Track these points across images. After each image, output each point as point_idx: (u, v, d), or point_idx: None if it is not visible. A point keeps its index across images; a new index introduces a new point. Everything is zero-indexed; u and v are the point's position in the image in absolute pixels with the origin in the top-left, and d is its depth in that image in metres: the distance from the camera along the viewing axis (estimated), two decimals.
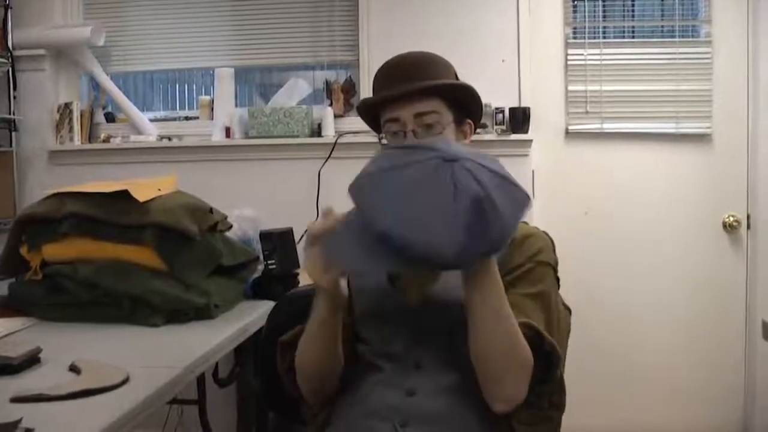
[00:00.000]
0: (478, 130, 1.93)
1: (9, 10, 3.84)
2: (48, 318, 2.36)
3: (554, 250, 1.75)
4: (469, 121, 1.80)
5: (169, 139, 3.94)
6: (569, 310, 1.82)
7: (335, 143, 3.69)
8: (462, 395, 1.58)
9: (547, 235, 1.77)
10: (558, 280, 1.74)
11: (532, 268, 1.67)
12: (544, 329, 1.60)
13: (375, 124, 1.80)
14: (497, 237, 1.37)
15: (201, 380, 3.08)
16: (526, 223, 1.81)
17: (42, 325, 2.32)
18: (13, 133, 3.91)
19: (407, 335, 1.66)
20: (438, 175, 1.36)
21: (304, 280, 2.88)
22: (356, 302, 1.77)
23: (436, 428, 1.57)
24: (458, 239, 1.32)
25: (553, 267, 1.72)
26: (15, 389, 1.62)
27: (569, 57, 3.78)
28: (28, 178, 3.97)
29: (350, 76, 3.90)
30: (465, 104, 1.78)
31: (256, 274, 2.75)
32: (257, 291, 2.70)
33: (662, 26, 3.84)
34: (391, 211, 1.35)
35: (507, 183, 1.40)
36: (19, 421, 1.41)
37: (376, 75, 1.79)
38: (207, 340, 2.12)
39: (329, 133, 3.74)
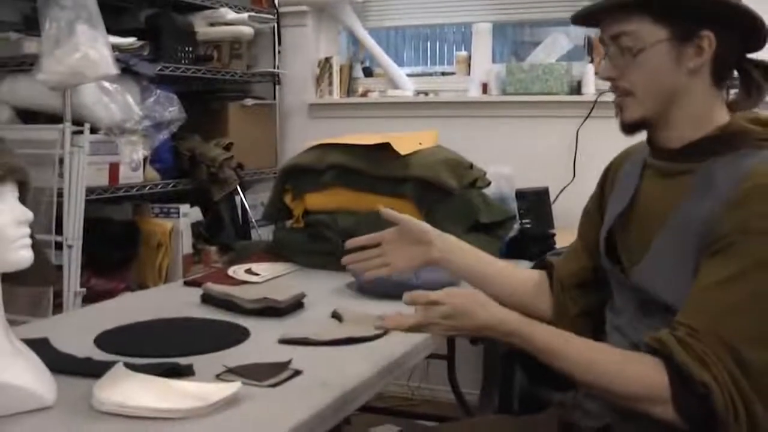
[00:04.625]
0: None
1: None
2: (309, 265, 2.43)
3: None
4: (707, 33, 1.33)
5: (426, 94, 3.94)
6: None
7: (595, 102, 3.51)
8: None
9: None
10: None
11: (733, 242, 1.24)
12: (733, 328, 1.20)
13: None
14: None
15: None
16: None
17: (303, 272, 2.39)
18: (277, 87, 4.07)
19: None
20: None
21: (561, 241, 2.78)
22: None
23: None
24: None
25: None
26: (282, 331, 1.67)
27: None
28: (289, 130, 4.12)
29: None
30: (687, 13, 1.34)
31: (512, 233, 2.68)
32: (512, 250, 2.63)
33: None
34: None
35: None
36: (289, 362, 1.44)
37: None
38: None
39: (589, 91, 3.56)
